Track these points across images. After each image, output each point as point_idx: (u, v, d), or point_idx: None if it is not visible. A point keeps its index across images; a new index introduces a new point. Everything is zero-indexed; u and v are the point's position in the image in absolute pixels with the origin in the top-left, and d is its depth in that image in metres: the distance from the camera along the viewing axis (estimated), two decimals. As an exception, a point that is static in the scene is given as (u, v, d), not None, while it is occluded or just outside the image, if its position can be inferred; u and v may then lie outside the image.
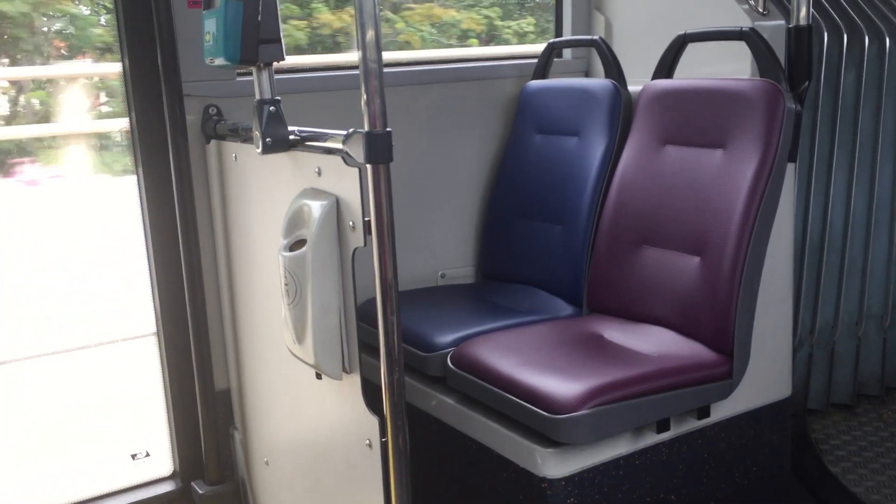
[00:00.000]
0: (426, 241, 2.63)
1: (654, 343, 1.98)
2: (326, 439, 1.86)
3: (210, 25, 1.71)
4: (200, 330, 2.24)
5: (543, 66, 2.64)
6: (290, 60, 1.72)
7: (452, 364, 2.02)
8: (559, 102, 2.49)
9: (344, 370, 1.69)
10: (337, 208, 1.63)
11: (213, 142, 2.18)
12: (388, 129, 1.47)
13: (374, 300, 1.54)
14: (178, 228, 2.17)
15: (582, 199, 2.32)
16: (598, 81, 2.41)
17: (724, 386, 1.93)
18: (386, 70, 1.47)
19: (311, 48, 3.07)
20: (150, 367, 2.43)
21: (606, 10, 2.75)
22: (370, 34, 1.43)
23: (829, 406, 2.95)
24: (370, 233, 1.52)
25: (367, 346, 1.68)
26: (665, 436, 1.91)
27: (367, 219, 1.54)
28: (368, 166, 1.49)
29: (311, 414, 1.92)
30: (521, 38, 3.58)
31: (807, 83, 2.03)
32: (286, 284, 1.69)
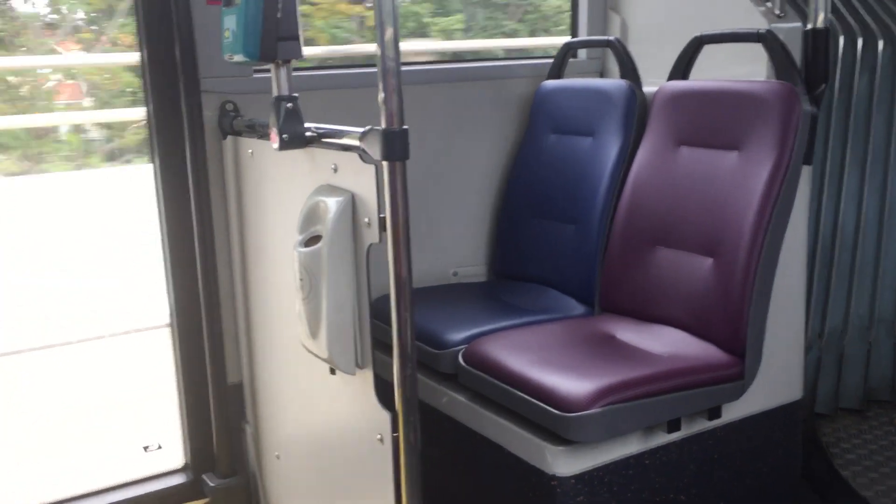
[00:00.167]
0: (439, 238, 2.63)
1: (665, 343, 1.99)
2: (338, 434, 1.87)
3: (229, 22, 1.72)
4: (214, 323, 2.25)
5: (559, 66, 2.64)
6: (307, 51, 1.73)
7: (464, 361, 2.03)
8: (574, 102, 2.50)
9: (357, 365, 1.70)
10: (352, 205, 1.64)
11: (229, 137, 2.19)
12: (405, 126, 1.48)
13: (387, 297, 1.55)
14: (194, 222, 2.19)
15: (596, 199, 2.32)
16: (614, 82, 2.41)
17: (736, 387, 1.93)
18: (403, 68, 1.48)
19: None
20: (163, 360, 2.44)
21: (622, 11, 2.75)
22: (389, 32, 1.44)
23: (838, 410, 2.95)
24: (385, 229, 1.53)
25: (380, 343, 1.69)
26: (675, 436, 1.91)
27: (382, 215, 1.55)
28: (385, 163, 1.49)
29: (323, 409, 1.93)
30: (448, 35, 3.61)
31: (823, 86, 2.03)
32: (301, 280, 1.70)
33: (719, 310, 1.96)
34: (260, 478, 2.34)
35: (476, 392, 2.01)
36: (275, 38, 1.64)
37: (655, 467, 1.90)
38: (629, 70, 2.39)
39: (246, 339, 2.29)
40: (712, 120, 2.10)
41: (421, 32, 3.59)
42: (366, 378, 1.69)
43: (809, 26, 2.07)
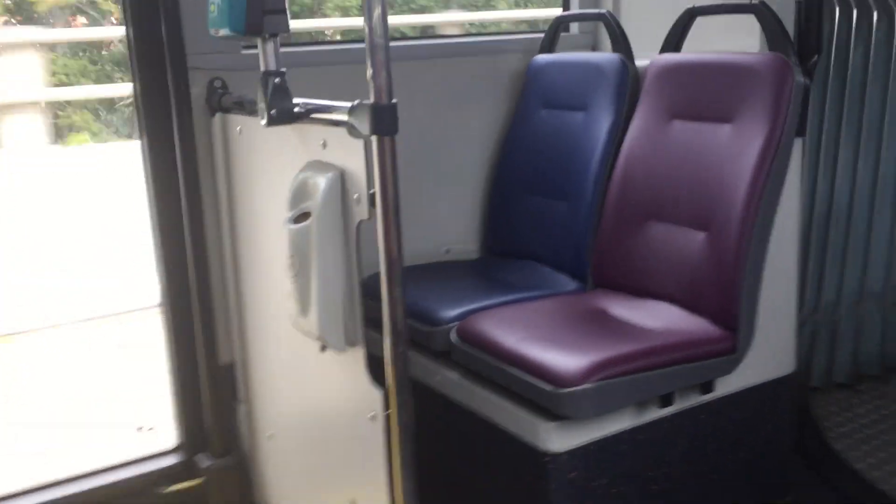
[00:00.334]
0: (432, 216, 2.62)
1: (658, 318, 1.98)
2: (331, 412, 1.87)
3: (215, -5, 1.69)
4: (205, 303, 2.24)
5: (550, 40, 2.62)
6: (295, 25, 1.71)
7: (457, 338, 2.02)
8: (566, 77, 2.48)
9: (348, 343, 1.69)
10: (342, 181, 1.63)
11: (218, 115, 2.17)
12: (394, 100, 1.47)
13: (379, 274, 1.54)
14: (183, 201, 2.17)
15: (588, 174, 2.31)
16: (606, 56, 2.39)
17: (729, 361, 1.93)
18: (392, 44, 1.46)
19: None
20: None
21: (614, -16, 2.73)
22: (377, 10, 1.42)
23: (832, 384, 2.96)
24: (375, 205, 1.52)
25: (373, 321, 1.68)
26: (668, 410, 1.91)
27: (371, 191, 1.53)
28: (374, 138, 1.48)
29: (315, 387, 1.92)
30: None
31: (816, 57, 2.02)
32: (291, 257, 1.69)
33: (712, 284, 1.96)
34: (253, 457, 2.34)
35: (469, 369, 2.00)
36: (261, 11, 1.62)
37: (648, 442, 1.91)
38: (621, 43, 2.37)
39: (237, 318, 2.28)
40: (704, 93, 2.08)
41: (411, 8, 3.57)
42: (357, 356, 1.69)
43: None
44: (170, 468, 2.38)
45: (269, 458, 2.27)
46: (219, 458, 2.33)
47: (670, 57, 2.21)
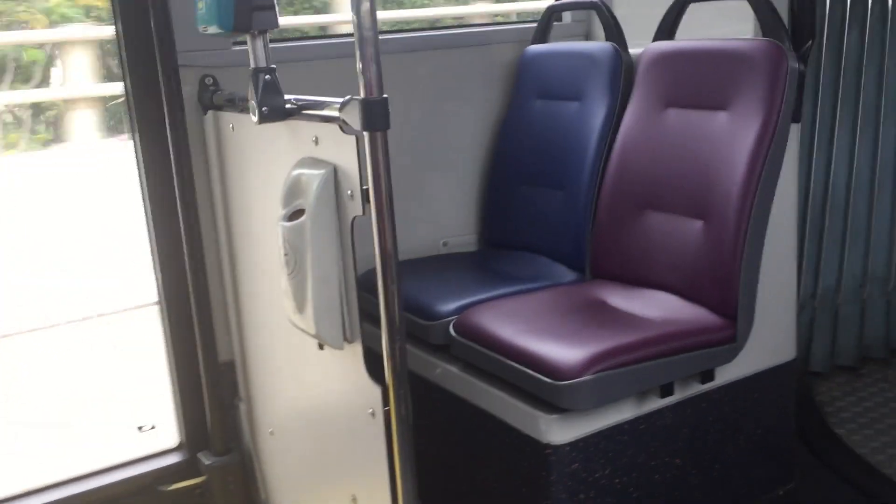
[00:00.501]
0: (428, 210, 2.61)
1: (657, 308, 1.98)
2: (330, 409, 1.87)
3: (203, -7, 1.68)
4: (202, 301, 2.23)
5: (543, 30, 2.60)
6: (284, 21, 1.69)
7: (455, 332, 2.02)
8: (559, 67, 2.47)
9: (346, 339, 1.69)
10: (335, 177, 1.62)
11: (210, 112, 2.16)
12: (385, 95, 1.46)
13: (375, 270, 1.53)
14: (177, 200, 2.16)
15: (583, 164, 2.30)
16: (599, 45, 2.38)
17: (728, 349, 1.93)
18: (381, 37, 1.45)
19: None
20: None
21: (606, -28, 2.71)
22: (365, 3, 1.41)
23: (834, 369, 2.96)
24: (369, 201, 1.51)
25: (371, 316, 1.67)
26: (669, 400, 1.91)
27: (365, 187, 1.52)
28: (366, 134, 1.47)
29: (314, 384, 1.92)
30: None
31: (810, 42, 2.00)
32: (285, 255, 1.68)
33: (710, 272, 1.95)
34: (255, 454, 2.34)
35: (468, 362, 2.00)
36: (249, 7, 1.61)
37: (650, 432, 1.90)
38: (614, 32, 2.36)
39: (235, 315, 2.28)
40: (699, 80, 2.07)
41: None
42: (355, 352, 1.68)
43: None
44: (172, 466, 2.38)
45: (270, 455, 2.27)
46: (220, 456, 2.33)
47: (664, 45, 2.19)
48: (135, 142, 2.21)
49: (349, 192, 1.58)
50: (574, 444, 1.79)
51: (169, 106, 2.10)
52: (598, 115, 2.30)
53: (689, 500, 1.99)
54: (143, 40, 2.09)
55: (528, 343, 1.84)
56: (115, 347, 3.60)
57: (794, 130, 2.01)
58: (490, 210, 2.62)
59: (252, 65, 1.70)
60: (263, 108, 1.69)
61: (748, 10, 2.05)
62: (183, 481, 2.37)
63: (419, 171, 2.56)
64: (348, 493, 1.84)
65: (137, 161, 2.22)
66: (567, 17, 2.79)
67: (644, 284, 2.10)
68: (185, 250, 2.19)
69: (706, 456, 2.01)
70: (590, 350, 1.76)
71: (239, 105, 1.99)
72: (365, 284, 1.67)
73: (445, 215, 2.65)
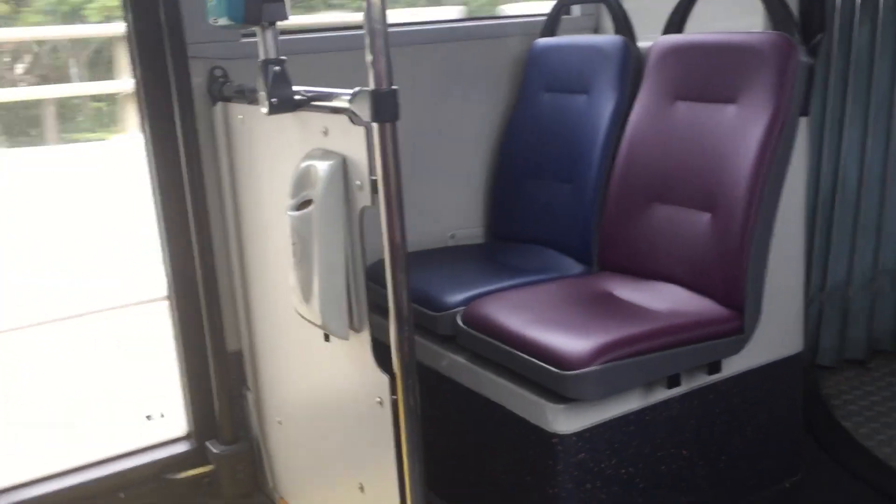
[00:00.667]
0: (436, 202, 2.62)
1: (664, 299, 1.98)
2: (338, 398, 1.88)
3: (213, -16, 1.69)
4: (211, 292, 2.25)
5: (552, 23, 2.60)
6: (294, 20, 1.70)
7: (463, 323, 2.03)
8: (568, 60, 2.47)
9: (354, 329, 1.70)
10: (344, 168, 1.63)
11: (219, 104, 2.17)
12: (395, 87, 1.46)
13: (383, 260, 1.54)
14: (187, 191, 2.18)
15: (592, 157, 2.30)
16: (608, 38, 2.38)
17: (736, 341, 1.93)
18: (391, 30, 1.45)
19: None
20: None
21: (616, -35, 2.70)
22: None
23: (842, 362, 2.95)
24: (377, 192, 1.52)
25: (379, 308, 1.68)
26: (676, 391, 1.91)
27: (373, 178, 1.53)
28: (375, 125, 1.47)
29: (322, 373, 1.93)
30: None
31: (820, 35, 2.00)
32: (293, 244, 1.69)
33: (718, 264, 1.95)
34: (263, 443, 2.35)
35: (475, 353, 2.01)
36: (259, -1, 1.62)
37: (656, 423, 1.91)
38: (623, 25, 2.36)
39: (244, 305, 2.29)
40: (708, 73, 2.07)
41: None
42: (363, 341, 1.69)
43: None
44: (180, 455, 2.40)
45: (278, 444, 2.29)
46: (228, 445, 2.36)
47: (673, 38, 2.19)
48: (144, 133, 2.22)
49: (358, 182, 1.59)
50: (581, 434, 1.80)
51: (179, 97, 2.12)
52: (606, 108, 2.30)
53: (695, 491, 2.00)
54: (153, 32, 2.10)
55: (535, 333, 1.84)
56: (117, 344, 3.61)
57: (804, 123, 2.01)
58: (498, 203, 2.62)
59: (262, 56, 1.72)
60: (273, 99, 1.70)
61: (757, 3, 2.05)
62: (191, 470, 2.40)
63: (427, 164, 2.57)
64: (356, 481, 1.85)
65: (147, 152, 2.23)
66: (576, 10, 2.79)
67: (652, 276, 2.10)
68: (193, 240, 2.21)
69: (713, 447, 2.02)
70: (597, 340, 1.76)
71: (248, 96, 2.00)
72: (372, 275, 1.68)
73: (453, 208, 2.66)
